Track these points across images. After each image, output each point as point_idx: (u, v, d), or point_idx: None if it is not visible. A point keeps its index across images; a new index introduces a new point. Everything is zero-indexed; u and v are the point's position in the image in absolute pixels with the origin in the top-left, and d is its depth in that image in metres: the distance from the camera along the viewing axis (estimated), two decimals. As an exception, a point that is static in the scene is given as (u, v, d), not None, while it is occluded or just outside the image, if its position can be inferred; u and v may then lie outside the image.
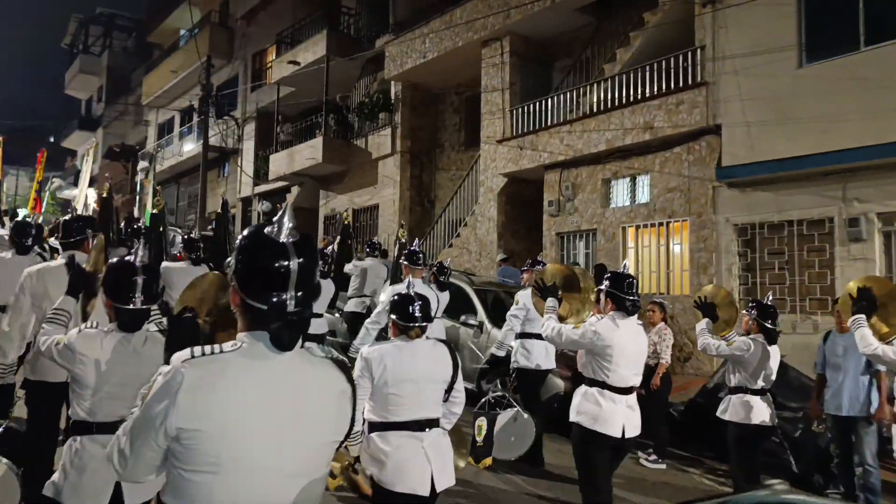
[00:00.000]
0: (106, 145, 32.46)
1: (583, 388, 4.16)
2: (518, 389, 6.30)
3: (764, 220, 9.21)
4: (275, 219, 1.63)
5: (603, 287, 4.17)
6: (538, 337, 6.10)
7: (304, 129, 19.03)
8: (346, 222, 10.60)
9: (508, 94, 13.13)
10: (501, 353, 6.63)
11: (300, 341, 1.64)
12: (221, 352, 1.57)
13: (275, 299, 1.57)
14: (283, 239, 1.59)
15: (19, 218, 5.76)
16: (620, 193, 11.24)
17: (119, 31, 37.50)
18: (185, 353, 1.58)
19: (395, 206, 16.04)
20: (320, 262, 6.54)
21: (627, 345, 4.06)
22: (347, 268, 8.82)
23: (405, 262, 6.49)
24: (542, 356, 6.33)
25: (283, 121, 19.63)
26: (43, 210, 16.62)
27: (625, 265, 4.29)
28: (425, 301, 3.35)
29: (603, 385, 4.03)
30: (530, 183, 13.02)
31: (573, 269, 5.27)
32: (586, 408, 4.05)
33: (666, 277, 10.55)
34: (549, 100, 12.23)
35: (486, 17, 13.20)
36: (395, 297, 3.35)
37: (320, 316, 6.97)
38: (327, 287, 7.08)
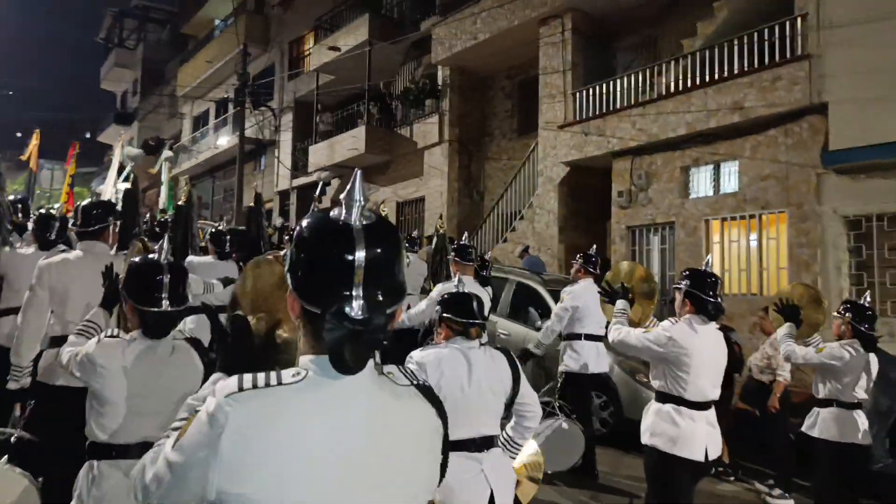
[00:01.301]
0: (141, 139, 32.11)
1: (654, 404, 3.68)
2: (565, 395, 5.71)
3: (883, 211, 8.05)
4: (342, 195, 1.19)
5: (681, 286, 3.69)
6: (589, 337, 5.78)
7: (345, 118, 18.20)
8: (383, 213, 9.77)
9: (570, 75, 12.08)
10: (539, 352, 6.14)
11: (375, 361, 1.22)
12: (279, 383, 1.16)
13: (334, 302, 1.14)
14: (352, 221, 1.17)
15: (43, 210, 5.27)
16: (702, 182, 10.14)
17: (153, 24, 37.19)
18: (232, 383, 1.17)
19: (443, 198, 15.10)
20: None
21: (707, 353, 3.58)
22: None
23: (454, 258, 5.82)
24: (592, 358, 5.81)
25: (323, 110, 18.82)
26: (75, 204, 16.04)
27: (707, 262, 3.81)
28: (479, 300, 3.03)
29: (679, 400, 3.56)
30: (595, 172, 11.97)
31: (646, 269, 4.72)
32: (662, 428, 3.57)
33: (759, 276, 9.42)
34: (618, 81, 11.15)
35: (545, -7, 12.16)
36: (447, 296, 3.02)
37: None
38: None
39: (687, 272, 3.71)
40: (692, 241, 9.96)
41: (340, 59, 17.25)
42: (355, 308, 1.14)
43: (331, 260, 1.15)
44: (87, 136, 41.67)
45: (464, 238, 6.21)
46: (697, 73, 9.83)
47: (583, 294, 5.78)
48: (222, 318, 1.73)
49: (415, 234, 10.72)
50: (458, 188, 15.18)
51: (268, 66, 23.32)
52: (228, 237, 6.14)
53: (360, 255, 1.14)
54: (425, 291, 6.99)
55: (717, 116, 9.46)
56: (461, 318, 2.92)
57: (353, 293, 1.13)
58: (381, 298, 1.16)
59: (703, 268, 3.70)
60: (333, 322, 1.13)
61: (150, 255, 2.65)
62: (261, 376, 1.17)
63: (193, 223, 6.09)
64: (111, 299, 2.95)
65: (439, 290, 5.28)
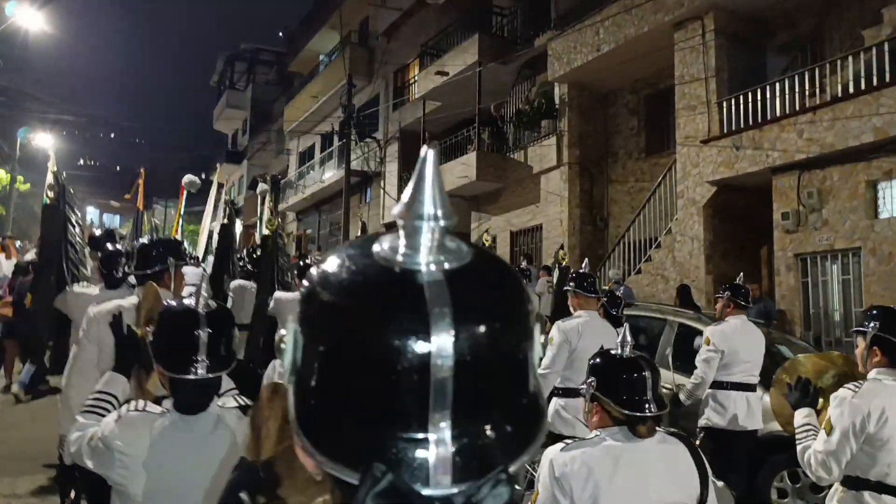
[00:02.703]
0: (250, 176, 32.85)
1: (841, 490, 2.72)
2: (709, 454, 4.34)
3: None
4: (398, 206, 0.62)
5: (866, 329, 2.81)
6: (737, 387, 4.93)
7: (453, 145, 17.34)
8: (486, 244, 8.82)
9: (714, 82, 10.58)
10: (688, 403, 5.19)
11: None
12: None
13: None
14: (421, 266, 0.60)
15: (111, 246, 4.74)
16: (897, 199, 8.36)
17: (262, 66, 38.38)
18: None
19: (563, 225, 13.81)
20: None
21: None
22: None
23: (573, 289, 4.89)
24: (742, 412, 4.92)
25: (430, 138, 18.06)
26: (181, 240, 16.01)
27: None
28: (653, 370, 2.14)
29: (880, 487, 2.62)
30: (747, 191, 10.35)
31: (842, 360, 3.49)
32: None
33: None
34: (776, 84, 9.57)
35: (681, -7, 10.80)
36: (600, 361, 2.22)
37: None
38: None
39: (875, 311, 2.89)
40: (886, 270, 8.16)
41: (448, 85, 16.48)
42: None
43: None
44: (203, 175, 43.60)
45: (584, 266, 5.25)
46: (888, 68, 8.13)
47: (732, 335, 4.92)
48: None
49: (523, 264, 9.58)
50: (579, 215, 13.85)
51: (372, 97, 23.02)
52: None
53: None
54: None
55: (917, 118, 7.74)
56: (624, 407, 2.06)
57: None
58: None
59: None
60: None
61: (185, 301, 2.00)
62: None
63: (280, 256, 5.64)
64: (126, 357, 2.28)
65: (557, 328, 4.66)
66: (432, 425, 0.57)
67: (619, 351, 2.18)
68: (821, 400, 3.04)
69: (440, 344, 0.56)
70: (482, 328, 0.58)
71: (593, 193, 14.07)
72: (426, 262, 0.59)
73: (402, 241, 0.61)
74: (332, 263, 0.63)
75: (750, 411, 4.93)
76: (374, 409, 0.57)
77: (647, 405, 2.06)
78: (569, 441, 2.12)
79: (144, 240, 3.38)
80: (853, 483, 2.69)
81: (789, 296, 9.29)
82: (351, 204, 21.42)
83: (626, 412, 2.06)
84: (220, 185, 13.55)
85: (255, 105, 35.95)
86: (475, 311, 0.58)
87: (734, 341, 4.90)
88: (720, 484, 3.93)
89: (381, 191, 21.24)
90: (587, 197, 13.99)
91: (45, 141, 31.41)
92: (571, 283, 4.96)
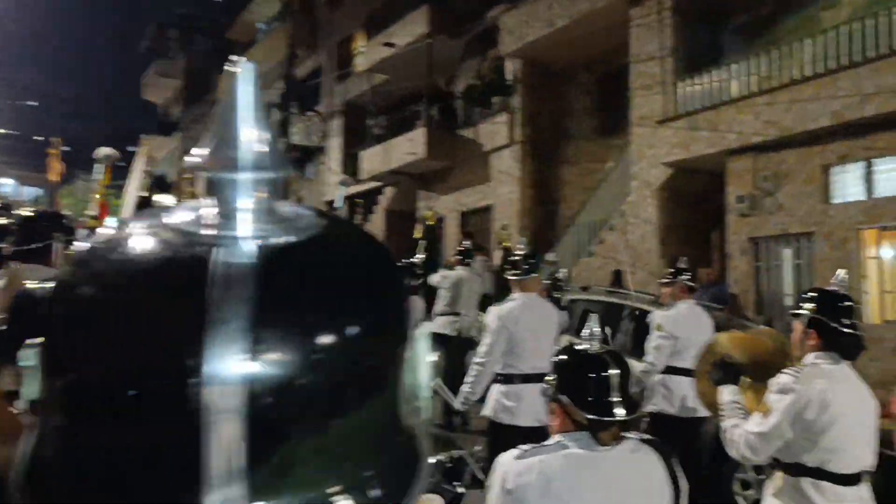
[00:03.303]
0: (184, 149, 31.36)
1: (781, 477, 2.69)
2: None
3: None
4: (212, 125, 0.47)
5: (802, 311, 2.74)
6: (689, 373, 4.39)
7: (401, 120, 16.78)
8: (429, 223, 8.77)
9: (671, 62, 10.38)
10: (635, 390, 4.69)
11: None
12: None
13: None
14: None
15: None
16: (851, 184, 8.34)
17: (198, 34, 36.58)
18: None
19: (514, 206, 13.50)
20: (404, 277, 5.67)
21: (851, 406, 2.63)
22: (434, 279, 7.30)
23: (509, 275, 4.63)
24: (692, 398, 4.56)
25: (376, 113, 17.45)
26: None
27: (839, 278, 2.83)
28: (623, 368, 1.86)
29: (819, 473, 2.58)
30: (702, 174, 10.26)
31: (769, 337, 3.44)
32: None
33: (938, 300, 7.60)
34: (734, 66, 9.43)
35: (639, -32, 10.53)
36: (564, 358, 1.93)
37: None
38: (414, 306, 5.30)
39: (811, 293, 2.80)
40: (839, 255, 8.16)
41: (396, 57, 15.86)
42: None
43: None
44: (130, 148, 41.38)
45: (520, 244, 4.90)
46: (845, 51, 8.06)
47: (684, 320, 4.78)
48: None
49: (466, 244, 9.32)
50: (530, 195, 13.57)
51: (315, 68, 22.11)
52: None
53: None
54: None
55: (875, 102, 7.69)
56: (586, 410, 1.81)
57: None
58: None
59: (833, 287, 2.77)
60: None
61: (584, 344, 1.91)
62: None
63: None
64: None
65: (495, 312, 4.35)
66: None
67: (586, 345, 1.92)
68: (745, 378, 2.96)
69: (220, 371, 0.37)
70: (314, 339, 0.41)
71: (545, 174, 13.80)
72: (241, 236, 0.42)
73: (209, 206, 0.44)
74: (100, 248, 0.46)
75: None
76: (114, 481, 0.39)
77: (612, 408, 1.81)
78: (525, 448, 1.85)
79: (26, 212, 3.04)
80: (792, 470, 2.63)
81: (743, 280, 9.24)
82: (291, 181, 20.60)
83: (588, 416, 1.79)
84: (150, 158, 12.68)
85: (190, 75, 34.25)
86: (301, 311, 0.41)
87: (685, 327, 4.76)
88: None
89: (324, 167, 20.50)
90: (539, 177, 13.71)
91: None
92: (508, 265, 4.72)
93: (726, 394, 2.85)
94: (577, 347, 1.96)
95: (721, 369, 2.91)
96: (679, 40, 10.42)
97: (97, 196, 13.22)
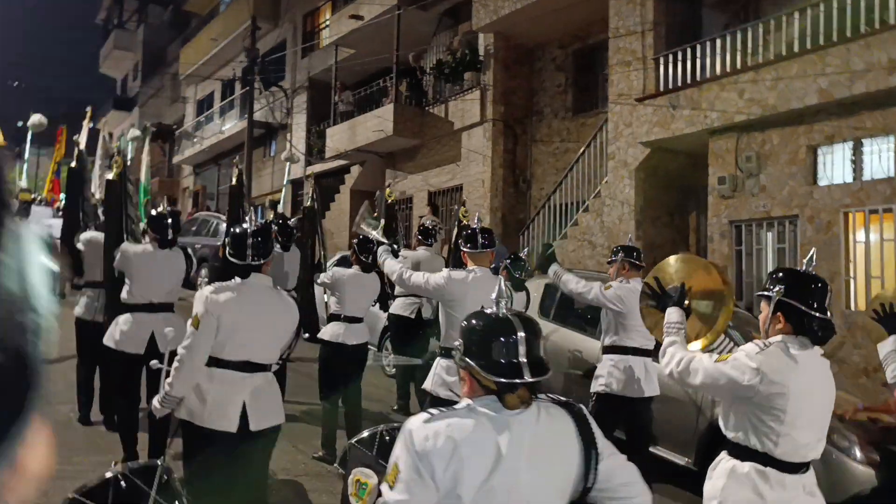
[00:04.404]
0: (142, 124, 30.12)
1: (727, 461, 2.64)
2: (597, 420, 3.99)
3: None
4: None
5: (770, 293, 2.64)
6: (637, 352, 4.74)
7: (368, 97, 16.12)
8: (389, 201, 8.32)
9: (652, 37, 9.96)
10: (552, 279, 5.19)
11: None
12: None
13: None
14: None
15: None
16: (838, 165, 8.03)
17: (154, 3, 35.11)
18: None
19: (485, 186, 13.02)
20: (359, 254, 5.70)
21: (810, 392, 2.56)
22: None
23: (464, 249, 4.45)
24: (639, 378, 4.74)
25: (342, 89, 16.73)
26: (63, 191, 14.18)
27: (811, 259, 2.70)
28: (532, 327, 1.83)
29: (766, 459, 2.52)
30: (681, 154, 9.89)
31: (711, 265, 3.40)
32: (739, 499, 2.54)
33: (925, 285, 7.33)
34: (718, 41, 9.03)
35: (620, -63, 10.05)
36: (472, 322, 1.86)
37: (360, 321, 5.66)
38: (372, 283, 5.80)
39: (780, 273, 2.71)
40: (824, 238, 7.86)
41: (363, 31, 15.17)
42: None
43: None
44: (92, 124, 39.71)
45: (475, 220, 4.68)
46: (835, 26, 7.71)
47: (631, 295, 4.57)
48: None
49: (427, 223, 8.89)
50: (501, 175, 13.09)
51: (278, 42, 21.23)
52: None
53: None
54: None
55: (865, 79, 7.36)
56: (491, 373, 1.75)
57: None
58: None
59: (805, 268, 2.70)
60: None
61: None
62: None
63: (129, 204, 5.30)
64: None
65: (447, 274, 4.23)
66: None
67: (493, 309, 1.87)
68: (689, 304, 2.99)
69: None
70: None
71: (516, 153, 13.33)
72: None
73: None
74: None
75: (648, 377, 4.74)
76: None
77: (520, 371, 1.74)
78: (433, 412, 1.79)
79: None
80: (741, 453, 2.58)
81: (722, 264, 8.89)
82: (254, 158, 19.82)
83: (496, 379, 1.74)
84: (96, 131, 11.91)
85: (148, 47, 32.90)
86: None
87: (633, 303, 4.54)
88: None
89: (288, 144, 19.74)
90: (511, 157, 13.23)
91: None
92: (462, 239, 4.51)
93: (674, 314, 2.90)
94: (485, 311, 1.88)
95: (671, 292, 2.99)
96: (660, 14, 9.99)
97: (51, 173, 12.28)
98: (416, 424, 1.75)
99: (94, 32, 40.37)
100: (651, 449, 5.18)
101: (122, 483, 2.74)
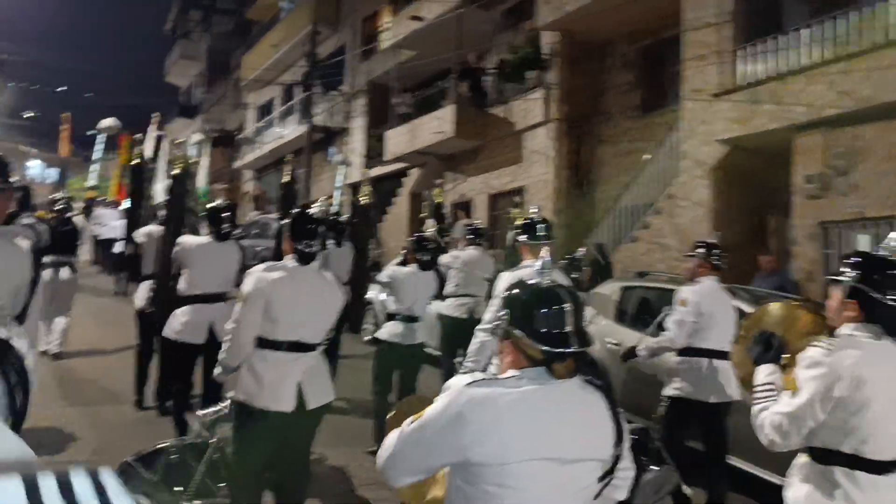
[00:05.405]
0: (205, 132, 30.88)
1: (810, 465, 2.36)
2: (669, 425, 4.49)
3: None
4: None
5: (842, 278, 2.40)
6: (712, 354, 4.40)
7: (428, 99, 15.97)
8: (436, 202, 8.45)
9: (730, 28, 9.45)
10: (644, 356, 4.83)
11: None
12: None
13: None
14: None
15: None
16: (942, 161, 7.39)
17: (218, 14, 36.01)
18: None
19: (548, 188, 12.66)
20: (416, 252, 5.63)
21: (891, 386, 2.26)
22: (444, 259, 6.91)
23: (521, 239, 4.31)
24: (715, 382, 4.41)
25: (402, 91, 16.63)
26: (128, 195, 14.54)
27: (890, 241, 2.41)
28: (576, 300, 1.85)
29: (853, 461, 2.26)
30: (761, 152, 9.33)
31: (813, 310, 2.92)
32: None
33: None
34: (804, 30, 8.47)
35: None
36: (515, 292, 1.89)
37: (417, 320, 5.52)
38: (429, 281, 5.68)
39: (855, 258, 2.45)
40: (926, 241, 7.22)
41: (423, 31, 15.05)
42: None
43: None
44: (157, 132, 40.90)
45: (534, 212, 4.51)
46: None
47: (708, 297, 4.44)
48: None
49: (478, 222, 8.69)
50: (566, 177, 12.71)
51: (338, 47, 21.35)
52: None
53: None
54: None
55: (976, 67, 6.73)
56: (541, 343, 1.76)
57: None
58: None
59: (883, 251, 2.43)
60: None
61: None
62: None
63: (188, 198, 5.70)
64: None
65: (507, 278, 3.95)
66: None
67: (537, 279, 1.88)
68: (789, 355, 2.61)
69: None
70: None
71: (581, 154, 12.92)
72: None
73: None
74: None
75: (724, 381, 4.40)
76: None
77: (566, 340, 1.77)
78: (480, 377, 1.84)
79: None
80: (822, 457, 2.34)
81: (809, 269, 8.34)
82: (314, 162, 19.94)
83: (544, 349, 1.77)
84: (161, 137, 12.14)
85: (211, 55, 33.68)
86: None
87: (710, 304, 4.44)
88: (665, 466, 3.42)
89: (341, 147, 19.79)
90: (574, 158, 12.84)
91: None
92: (518, 229, 4.36)
93: (762, 374, 2.55)
94: (529, 281, 1.89)
95: (762, 344, 2.61)
96: (738, 5, 9.47)
97: (117, 178, 12.65)
98: (462, 386, 1.76)
99: (162, 43, 41.71)
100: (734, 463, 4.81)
101: (174, 454, 2.95)
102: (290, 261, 3.44)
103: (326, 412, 3.58)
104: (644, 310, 6.25)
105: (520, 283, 1.91)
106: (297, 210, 3.78)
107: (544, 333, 1.76)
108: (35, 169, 43.82)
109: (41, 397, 6.24)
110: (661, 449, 3.55)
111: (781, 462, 4.76)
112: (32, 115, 37.87)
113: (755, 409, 2.50)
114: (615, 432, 1.82)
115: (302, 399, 3.31)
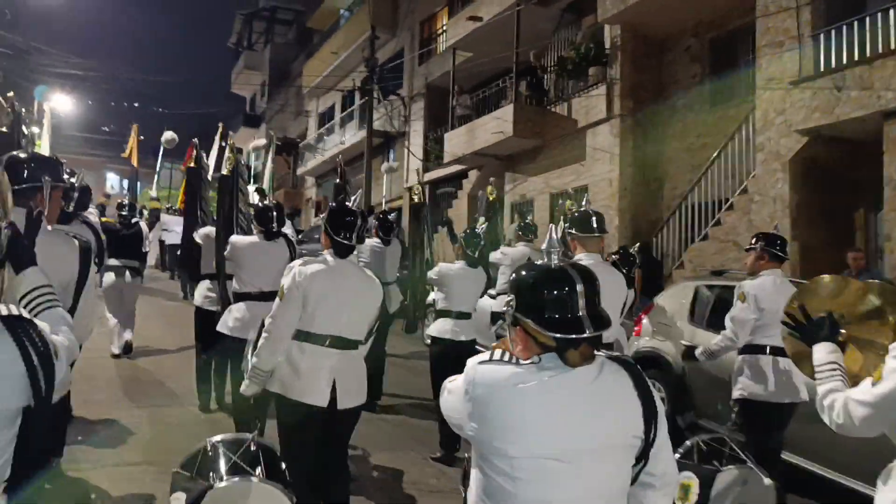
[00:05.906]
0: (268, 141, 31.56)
1: None
2: (745, 430, 4.32)
3: None
4: None
5: None
6: (777, 351, 4.11)
7: (486, 99, 15.75)
8: (490, 199, 8.26)
9: (808, 12, 8.86)
10: (703, 359, 4.69)
11: None
12: None
13: None
14: None
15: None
16: None
17: (280, 25, 36.80)
18: None
19: (613, 186, 12.22)
20: (464, 247, 5.51)
21: None
22: (494, 256, 6.94)
23: (570, 231, 4.23)
24: (785, 380, 4.18)
25: (459, 92, 16.46)
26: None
27: None
28: (589, 280, 1.71)
29: None
30: (846, 142, 8.71)
31: (873, 285, 2.60)
32: None
33: None
34: (892, 10, 7.85)
35: None
36: (522, 274, 1.76)
37: (469, 316, 5.45)
38: (479, 277, 5.61)
39: None
40: None
41: (481, 31, 14.84)
42: None
43: None
44: (224, 142, 42.02)
45: (584, 203, 4.42)
46: None
47: (769, 292, 4.20)
48: None
49: (529, 220, 8.41)
50: (631, 175, 12.24)
51: (396, 51, 21.40)
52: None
53: None
54: None
55: None
56: (550, 329, 1.64)
57: None
58: None
59: None
60: None
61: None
62: None
63: (240, 198, 5.65)
64: None
65: None
66: None
67: (545, 260, 1.76)
68: (845, 332, 2.40)
69: None
70: None
71: (647, 150, 12.42)
72: None
73: None
74: None
75: (788, 380, 4.18)
76: None
77: (578, 325, 1.63)
78: (498, 356, 1.70)
79: (19, 154, 2.75)
80: None
81: (903, 267, 7.70)
82: (373, 167, 20.00)
83: (555, 335, 1.63)
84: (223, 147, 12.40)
85: (274, 65, 34.43)
86: None
87: (772, 299, 4.13)
88: (767, 482, 3.31)
89: (406, 151, 19.77)
90: (640, 155, 12.36)
91: (61, 103, 29.94)
92: (567, 223, 4.28)
93: (823, 352, 2.34)
94: (537, 263, 1.78)
95: (816, 323, 2.43)
96: (818, -14, 8.88)
97: (184, 186, 12.98)
98: (479, 367, 1.71)
99: (227, 55, 42.91)
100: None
101: (210, 451, 2.87)
102: (328, 255, 3.40)
103: (361, 410, 3.50)
104: (720, 309, 5.85)
105: (526, 266, 1.80)
106: (334, 204, 3.74)
107: (554, 319, 1.64)
108: (113, 181, 45.82)
109: (108, 395, 6.34)
110: (740, 452, 3.36)
111: (842, 461, 4.39)
112: (107, 129, 39.64)
113: (821, 388, 2.30)
114: (644, 409, 1.71)
115: (334, 397, 3.25)
